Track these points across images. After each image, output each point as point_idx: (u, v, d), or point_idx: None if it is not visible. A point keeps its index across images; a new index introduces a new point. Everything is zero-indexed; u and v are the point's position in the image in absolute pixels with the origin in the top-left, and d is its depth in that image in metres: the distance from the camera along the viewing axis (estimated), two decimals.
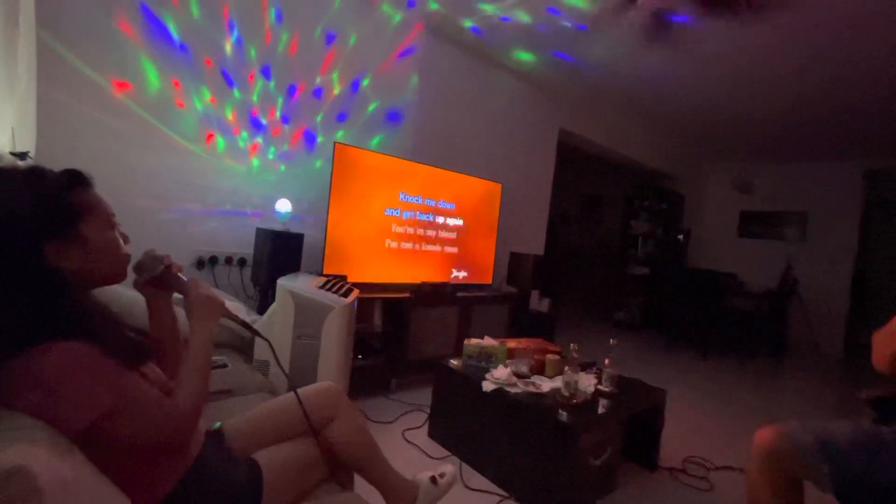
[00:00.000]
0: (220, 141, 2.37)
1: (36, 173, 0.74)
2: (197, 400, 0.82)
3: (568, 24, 2.91)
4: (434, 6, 2.85)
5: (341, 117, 2.81)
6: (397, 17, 2.97)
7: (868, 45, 2.76)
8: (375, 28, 2.90)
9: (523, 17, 2.89)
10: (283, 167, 2.62)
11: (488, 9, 2.82)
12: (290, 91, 2.59)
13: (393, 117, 3.01)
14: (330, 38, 2.70)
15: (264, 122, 2.52)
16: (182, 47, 2.19)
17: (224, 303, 0.97)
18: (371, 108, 2.94)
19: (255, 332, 1.09)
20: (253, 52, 2.42)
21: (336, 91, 2.77)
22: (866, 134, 4.39)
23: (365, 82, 2.89)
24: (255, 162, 2.52)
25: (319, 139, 2.73)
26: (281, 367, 1.10)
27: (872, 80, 3.23)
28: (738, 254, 6.12)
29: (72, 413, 0.64)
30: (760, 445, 1.20)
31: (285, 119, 2.59)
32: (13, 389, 0.63)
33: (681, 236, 6.16)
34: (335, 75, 2.75)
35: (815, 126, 4.35)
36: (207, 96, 2.30)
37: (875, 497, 1.07)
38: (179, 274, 0.96)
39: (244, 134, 2.45)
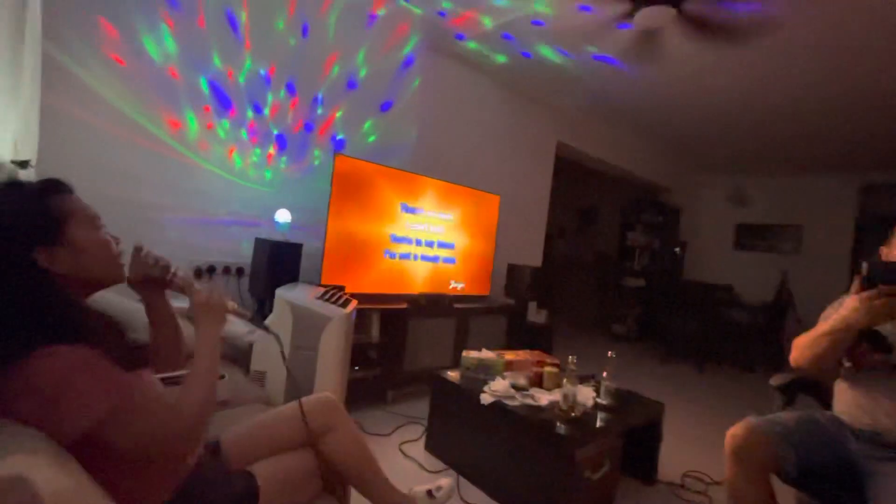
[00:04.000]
0: (222, 151, 2.39)
1: (13, 185, 0.75)
2: (203, 406, 0.82)
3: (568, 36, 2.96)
4: (447, 3, 2.78)
5: (386, 108, 2.91)
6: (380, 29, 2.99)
7: (863, 62, 2.82)
8: (377, 35, 2.95)
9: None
10: (268, 174, 2.61)
11: (487, 22, 2.86)
12: (290, 89, 2.61)
13: (385, 106, 3.07)
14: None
15: (276, 131, 2.56)
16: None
17: (227, 302, 0.97)
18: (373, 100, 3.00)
19: (265, 328, 1.09)
20: (253, 64, 2.46)
21: (340, 84, 2.82)
22: (862, 149, 4.45)
23: (362, 72, 2.93)
24: (269, 173, 2.57)
25: (314, 151, 2.76)
26: (284, 359, 1.11)
27: (868, 96, 3.29)
28: (733, 266, 6.14)
29: (70, 417, 0.64)
30: (735, 441, 1.28)
31: (307, 127, 2.65)
32: (10, 396, 0.63)
33: (677, 249, 6.19)
34: (335, 70, 2.79)
35: (810, 140, 4.41)
36: (204, 106, 2.31)
37: (822, 475, 1.21)
38: (180, 274, 0.96)
39: (256, 150, 2.50)
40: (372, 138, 3.01)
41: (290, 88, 2.63)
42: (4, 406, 0.63)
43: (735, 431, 1.29)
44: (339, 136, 2.86)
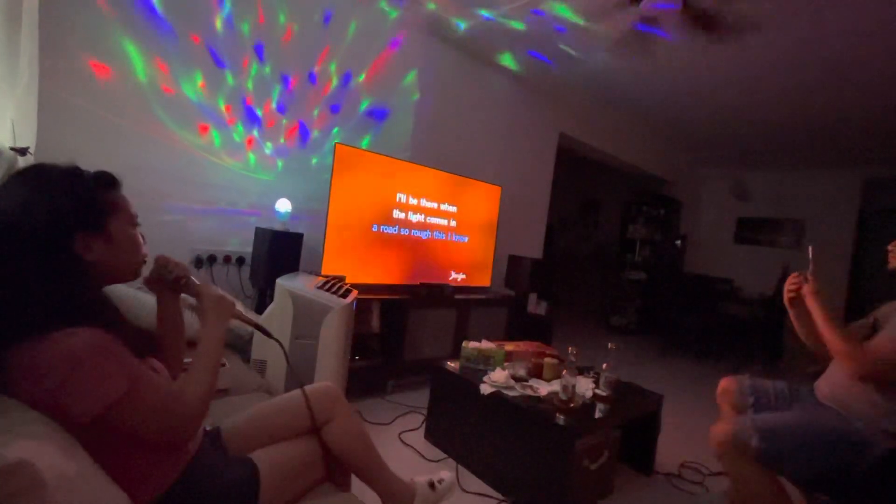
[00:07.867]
0: (215, 135, 2.34)
1: (74, 172, 0.79)
2: (205, 395, 0.85)
3: (563, 28, 2.92)
4: (432, 6, 2.82)
5: (335, 108, 2.80)
6: (393, 14, 2.94)
7: (865, 56, 2.78)
8: (372, 21, 2.90)
9: (517, 25, 2.89)
10: (280, 163, 2.61)
11: (484, 13, 2.82)
12: (285, 79, 2.57)
13: (379, 115, 3.01)
14: (328, 20, 2.67)
15: (259, 113, 2.50)
16: (168, 27, 2.14)
17: (235, 304, 0.99)
18: (364, 104, 2.94)
19: (267, 334, 1.09)
20: (246, 29, 2.38)
21: (333, 82, 2.77)
22: (865, 143, 4.42)
23: (360, 77, 2.89)
24: (252, 158, 2.51)
25: (314, 134, 2.73)
26: (290, 366, 1.12)
27: (871, 90, 3.26)
28: (734, 260, 6.14)
29: (84, 398, 0.65)
30: (716, 441, 1.40)
31: (281, 109, 2.57)
32: (24, 375, 0.64)
33: (678, 242, 6.19)
34: (333, 66, 2.75)
35: (813, 134, 4.38)
36: (199, 81, 2.24)
37: (792, 447, 1.32)
38: (192, 278, 0.99)
39: (239, 127, 2.43)
40: (367, 139, 2.99)
41: (312, 78, 2.60)
42: (18, 385, 0.64)
43: (716, 429, 1.40)
44: (336, 130, 2.84)
